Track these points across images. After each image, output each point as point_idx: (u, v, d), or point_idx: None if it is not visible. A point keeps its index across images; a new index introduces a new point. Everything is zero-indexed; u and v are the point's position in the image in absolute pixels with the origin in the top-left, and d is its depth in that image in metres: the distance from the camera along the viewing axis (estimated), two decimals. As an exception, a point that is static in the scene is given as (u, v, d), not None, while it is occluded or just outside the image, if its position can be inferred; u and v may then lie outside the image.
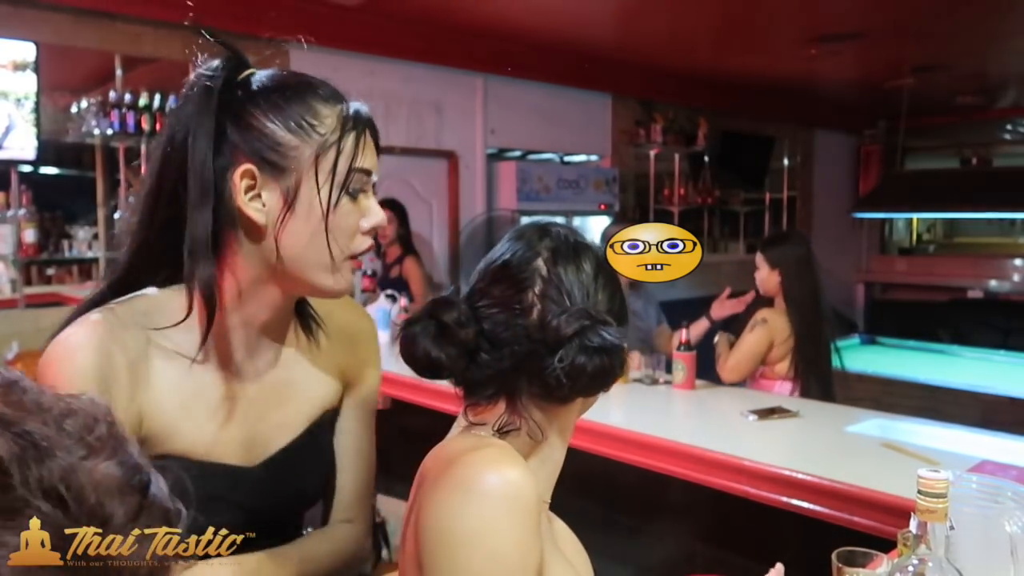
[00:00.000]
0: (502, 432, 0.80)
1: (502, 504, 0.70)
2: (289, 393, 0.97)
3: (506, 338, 0.79)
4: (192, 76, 0.91)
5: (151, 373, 0.87)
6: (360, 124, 0.91)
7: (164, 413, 0.87)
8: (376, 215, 0.91)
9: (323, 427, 1.00)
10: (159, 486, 0.43)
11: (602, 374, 0.77)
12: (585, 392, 0.80)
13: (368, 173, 0.90)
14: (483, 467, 0.73)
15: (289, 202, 0.86)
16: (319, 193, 0.86)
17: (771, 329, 2.72)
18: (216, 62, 0.90)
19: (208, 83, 0.88)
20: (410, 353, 0.81)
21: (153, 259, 0.91)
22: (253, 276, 0.89)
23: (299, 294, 0.95)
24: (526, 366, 0.79)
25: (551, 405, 0.81)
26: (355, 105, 0.94)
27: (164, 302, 0.89)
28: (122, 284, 0.91)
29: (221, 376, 0.92)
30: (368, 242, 0.92)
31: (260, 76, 0.92)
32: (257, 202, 0.86)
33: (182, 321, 0.86)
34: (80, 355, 0.82)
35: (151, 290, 0.91)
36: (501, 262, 0.83)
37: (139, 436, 0.84)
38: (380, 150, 0.94)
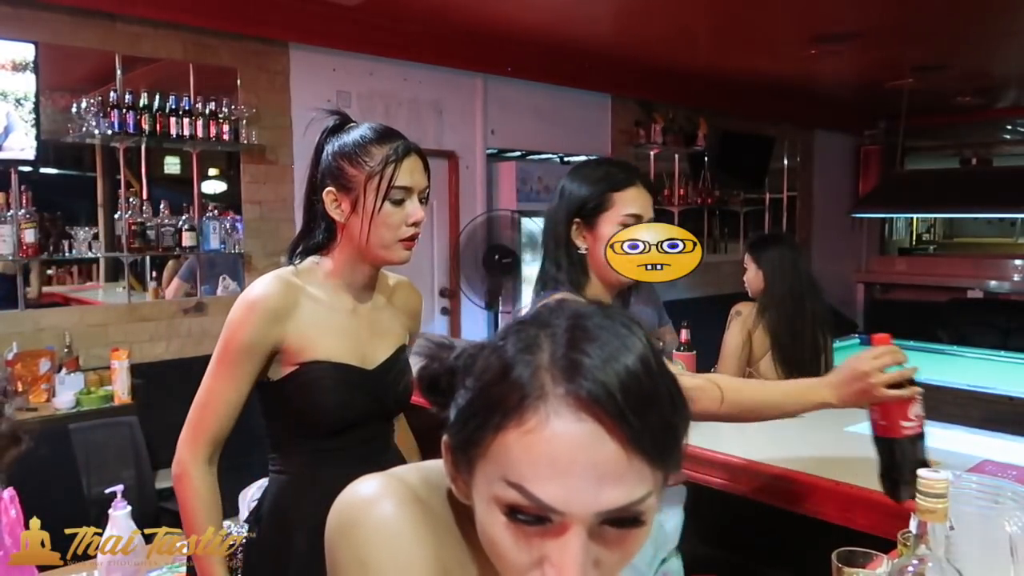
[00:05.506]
0: None
1: (373, 539, 0.66)
2: (381, 326, 1.47)
3: None
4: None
5: (302, 310, 1.37)
6: (397, 158, 1.35)
7: (312, 334, 1.37)
8: (412, 215, 1.37)
9: (403, 352, 1.49)
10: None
11: None
12: None
13: (406, 188, 1.36)
14: (352, 502, 0.69)
15: (353, 209, 1.36)
16: (365, 203, 1.35)
17: (745, 320, 2.74)
18: (328, 121, 1.42)
19: (318, 140, 1.42)
20: None
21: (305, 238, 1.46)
22: (352, 251, 1.40)
23: (377, 262, 1.42)
24: None
25: None
26: (401, 144, 1.37)
27: (308, 268, 1.43)
28: (292, 250, 1.46)
29: (343, 312, 1.42)
30: (410, 231, 1.38)
31: (348, 130, 1.41)
32: (336, 209, 1.38)
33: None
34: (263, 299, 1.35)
35: (309, 260, 1.44)
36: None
37: (298, 347, 1.35)
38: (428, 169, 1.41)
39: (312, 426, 1.38)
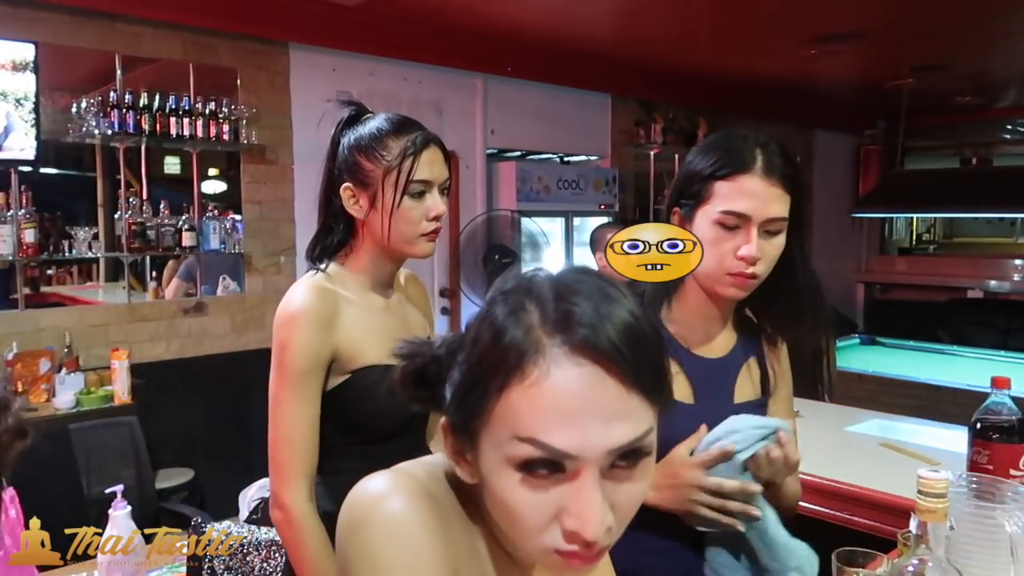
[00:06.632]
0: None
1: (383, 535, 0.66)
2: (411, 321, 1.45)
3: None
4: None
5: (343, 316, 1.32)
6: (416, 151, 1.32)
7: (358, 338, 1.32)
8: (432, 209, 1.33)
9: None
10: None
11: None
12: None
13: (425, 182, 1.32)
14: (362, 500, 0.68)
15: (371, 204, 1.32)
16: (384, 198, 1.31)
17: None
18: (343, 113, 1.37)
19: (334, 132, 1.37)
20: None
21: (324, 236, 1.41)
22: (374, 247, 1.36)
23: (400, 257, 1.39)
24: None
25: None
26: (420, 135, 1.34)
27: (336, 271, 1.38)
28: (311, 251, 1.40)
29: (378, 311, 1.38)
30: (432, 226, 1.34)
31: (364, 122, 1.36)
32: (355, 206, 1.33)
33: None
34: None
35: (333, 264, 1.38)
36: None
37: (350, 355, 1.30)
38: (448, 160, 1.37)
39: (366, 432, 1.34)
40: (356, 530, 0.66)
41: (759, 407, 1.28)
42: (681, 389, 1.22)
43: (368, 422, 1.33)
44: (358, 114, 1.38)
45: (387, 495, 0.67)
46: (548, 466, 0.60)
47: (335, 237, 1.38)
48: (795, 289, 1.25)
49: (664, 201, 1.27)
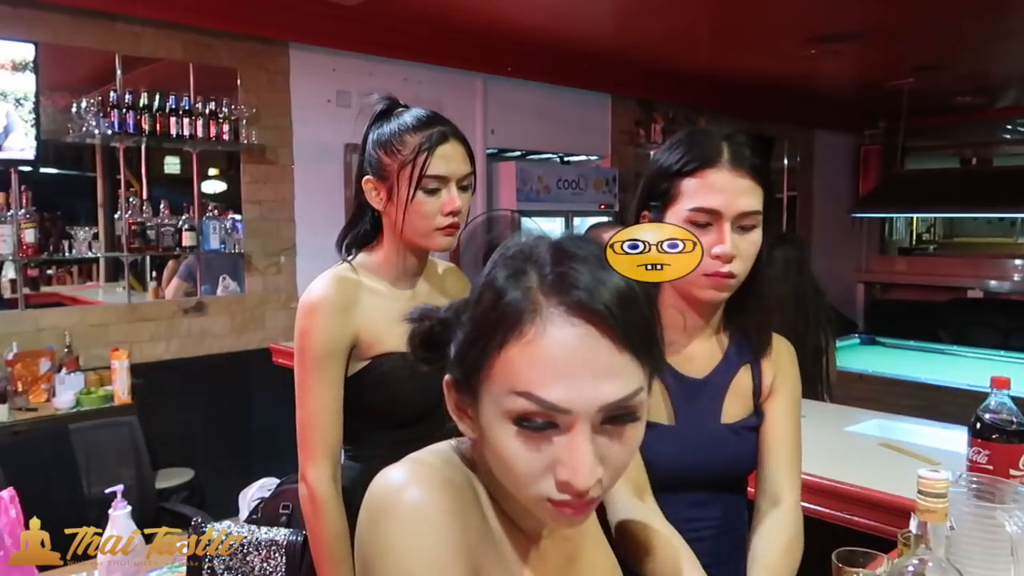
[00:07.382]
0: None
1: (403, 526, 0.66)
2: None
3: None
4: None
5: (363, 304, 1.38)
6: (430, 147, 1.33)
7: (380, 326, 1.37)
8: (447, 205, 1.35)
9: None
10: None
11: None
12: None
13: (439, 178, 1.34)
14: (381, 491, 0.69)
15: (389, 198, 1.37)
16: (399, 192, 1.35)
17: None
18: (376, 108, 1.41)
19: (366, 127, 1.42)
20: None
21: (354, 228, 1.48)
22: (395, 239, 1.40)
23: (417, 250, 1.42)
24: None
25: None
26: (436, 131, 1.35)
27: (362, 261, 1.43)
28: (340, 241, 1.46)
29: (404, 300, 1.40)
30: (448, 220, 1.36)
31: (392, 118, 1.39)
32: (376, 198, 1.39)
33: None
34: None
35: (360, 254, 1.44)
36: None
37: (370, 341, 1.35)
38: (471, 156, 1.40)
39: (390, 417, 1.38)
40: (376, 521, 0.68)
41: (752, 429, 1.19)
42: (659, 408, 1.13)
43: (388, 407, 1.38)
44: (389, 109, 1.43)
45: (405, 486, 0.68)
46: (542, 420, 0.63)
47: (362, 228, 1.46)
48: (760, 288, 1.18)
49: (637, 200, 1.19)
